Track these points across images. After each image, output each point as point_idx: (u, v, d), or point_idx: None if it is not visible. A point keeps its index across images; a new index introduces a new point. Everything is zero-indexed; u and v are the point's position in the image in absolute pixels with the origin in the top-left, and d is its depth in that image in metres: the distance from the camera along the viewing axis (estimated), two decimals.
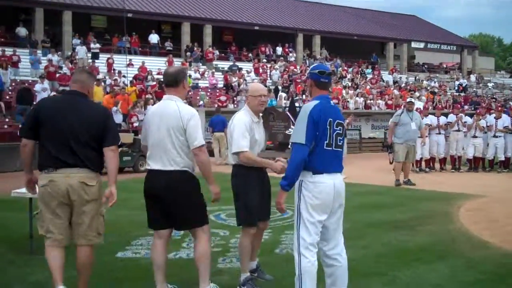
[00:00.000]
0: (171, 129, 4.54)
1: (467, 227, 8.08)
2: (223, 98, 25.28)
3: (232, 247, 6.70)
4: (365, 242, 7.13)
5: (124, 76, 24.74)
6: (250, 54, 35.75)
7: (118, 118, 19.76)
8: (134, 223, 8.04)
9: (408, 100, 14.40)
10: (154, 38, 32.54)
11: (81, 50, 27.20)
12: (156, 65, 29.36)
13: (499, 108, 17.58)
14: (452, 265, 5.98)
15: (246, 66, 32.36)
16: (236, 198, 5.11)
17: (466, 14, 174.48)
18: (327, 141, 4.23)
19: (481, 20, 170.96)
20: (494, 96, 37.03)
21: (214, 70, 30.52)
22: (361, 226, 8.10)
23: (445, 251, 6.64)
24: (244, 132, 4.93)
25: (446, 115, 17.51)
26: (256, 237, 5.29)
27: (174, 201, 4.59)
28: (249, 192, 5.01)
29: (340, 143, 4.32)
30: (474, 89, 39.75)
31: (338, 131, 4.30)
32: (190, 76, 27.43)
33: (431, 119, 16.30)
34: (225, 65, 32.58)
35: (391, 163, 13.34)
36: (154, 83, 25.39)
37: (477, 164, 16.41)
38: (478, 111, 17.27)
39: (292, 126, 5.37)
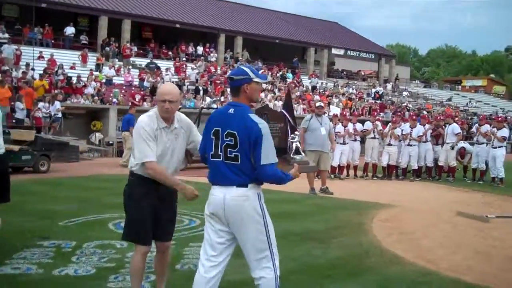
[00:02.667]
0: None
1: (380, 239, 7.81)
2: (137, 96, 24.24)
3: (128, 262, 6.03)
4: None
5: (33, 69, 23.26)
6: (170, 52, 34.87)
7: (22, 114, 18.46)
8: (24, 232, 7.21)
9: (317, 104, 13.67)
10: (69, 30, 31.05)
11: None
12: (70, 59, 27.95)
13: (414, 117, 17.77)
14: (364, 284, 5.62)
15: (165, 64, 31.45)
16: (124, 208, 4.56)
17: (385, 25, 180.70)
18: (212, 152, 4.00)
19: (399, 31, 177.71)
20: (408, 105, 38.06)
21: (130, 67, 29.43)
22: None
23: (357, 267, 6.28)
24: (147, 139, 4.32)
25: (363, 122, 17.51)
26: (157, 260, 4.78)
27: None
28: (137, 204, 4.44)
29: (233, 155, 3.90)
30: (390, 97, 40.70)
31: (228, 142, 3.93)
32: (102, 71, 26.31)
33: (338, 128, 15.90)
34: (143, 62, 31.55)
35: None
36: (62, 77, 23.99)
37: (391, 172, 16.47)
38: (393, 119, 17.34)
39: (289, 128, 4.85)
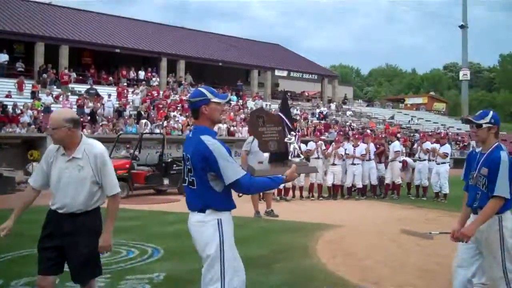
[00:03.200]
0: None
1: (324, 262, 7.61)
2: None
3: None
4: None
5: None
6: (111, 78, 34.20)
7: None
8: None
9: None
10: (2, 58, 29.95)
11: None
12: (5, 87, 26.96)
13: (356, 136, 17.83)
14: None
15: (106, 90, 30.75)
16: None
17: (327, 46, 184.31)
18: (183, 177, 4.02)
19: (341, 51, 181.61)
20: (352, 124, 38.54)
21: (69, 94, 28.62)
22: None
23: None
24: (41, 161, 4.30)
25: (306, 142, 17.45)
26: None
27: None
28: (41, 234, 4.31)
29: (191, 179, 3.88)
30: (334, 117, 41.14)
31: (188, 167, 3.93)
32: (39, 99, 25.44)
33: None
34: (82, 88, 30.77)
35: (239, 196, 12.64)
36: None
37: (336, 191, 16.41)
38: (336, 139, 17.34)
39: (287, 130, 4.60)
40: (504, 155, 4.50)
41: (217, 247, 3.84)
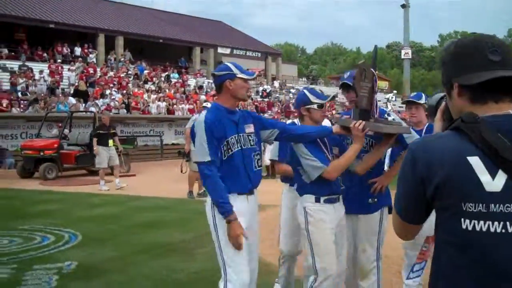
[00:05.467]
0: None
1: None
2: (5, 101, 22.19)
3: None
4: (127, 275, 5.88)
5: None
6: (45, 54, 32.75)
7: None
8: None
9: (204, 104, 13.25)
10: None
11: None
12: None
13: (296, 114, 17.52)
14: None
15: (40, 66, 29.36)
16: None
17: (272, 24, 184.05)
18: None
19: (286, 30, 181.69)
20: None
21: (0, 70, 27.21)
22: (129, 252, 6.86)
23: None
24: None
25: None
26: None
27: None
28: None
29: None
30: (278, 95, 40.89)
31: None
32: None
33: None
34: (15, 65, 29.28)
35: (183, 172, 12.28)
36: None
37: (273, 171, 16.10)
38: (275, 116, 17.00)
39: (376, 89, 4.03)
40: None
41: (214, 230, 3.71)
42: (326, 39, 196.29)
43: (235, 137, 3.72)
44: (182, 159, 12.77)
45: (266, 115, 24.12)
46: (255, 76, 3.98)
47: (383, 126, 3.87)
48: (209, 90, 34.97)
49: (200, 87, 35.26)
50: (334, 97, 4.12)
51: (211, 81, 39.59)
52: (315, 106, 4.08)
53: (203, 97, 30.80)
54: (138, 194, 12.40)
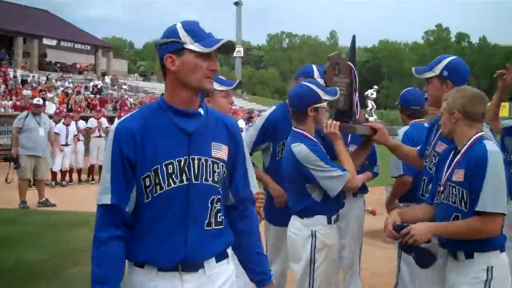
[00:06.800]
0: None
1: None
2: None
3: None
4: None
5: None
6: None
7: None
8: None
9: (35, 101, 11.78)
10: None
11: None
12: None
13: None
14: None
15: None
16: None
17: (100, 16, 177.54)
18: None
19: (114, 23, 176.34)
20: (129, 99, 37.07)
21: None
22: None
23: None
24: None
25: (86, 118, 15.72)
26: None
27: None
28: None
29: None
30: (110, 91, 39.12)
31: None
32: None
33: (59, 128, 13.88)
34: None
35: (7, 181, 10.59)
36: None
37: None
38: (119, 114, 15.93)
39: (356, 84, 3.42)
40: None
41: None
42: (156, 35, 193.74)
43: (179, 162, 2.12)
44: (9, 166, 10.87)
45: (105, 112, 22.53)
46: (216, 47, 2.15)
47: (357, 127, 3.39)
48: (34, 85, 32.21)
49: (25, 82, 32.36)
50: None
51: (36, 74, 36.67)
52: (325, 104, 3.32)
53: (28, 92, 28.17)
54: None
